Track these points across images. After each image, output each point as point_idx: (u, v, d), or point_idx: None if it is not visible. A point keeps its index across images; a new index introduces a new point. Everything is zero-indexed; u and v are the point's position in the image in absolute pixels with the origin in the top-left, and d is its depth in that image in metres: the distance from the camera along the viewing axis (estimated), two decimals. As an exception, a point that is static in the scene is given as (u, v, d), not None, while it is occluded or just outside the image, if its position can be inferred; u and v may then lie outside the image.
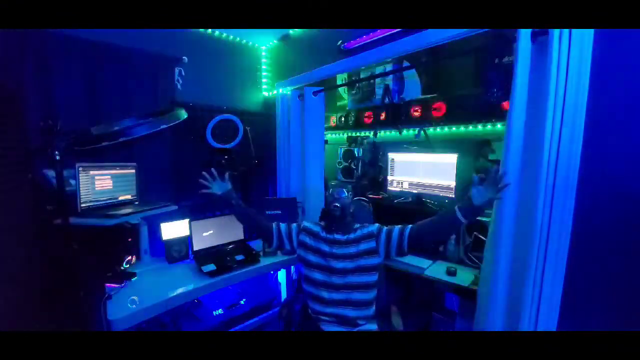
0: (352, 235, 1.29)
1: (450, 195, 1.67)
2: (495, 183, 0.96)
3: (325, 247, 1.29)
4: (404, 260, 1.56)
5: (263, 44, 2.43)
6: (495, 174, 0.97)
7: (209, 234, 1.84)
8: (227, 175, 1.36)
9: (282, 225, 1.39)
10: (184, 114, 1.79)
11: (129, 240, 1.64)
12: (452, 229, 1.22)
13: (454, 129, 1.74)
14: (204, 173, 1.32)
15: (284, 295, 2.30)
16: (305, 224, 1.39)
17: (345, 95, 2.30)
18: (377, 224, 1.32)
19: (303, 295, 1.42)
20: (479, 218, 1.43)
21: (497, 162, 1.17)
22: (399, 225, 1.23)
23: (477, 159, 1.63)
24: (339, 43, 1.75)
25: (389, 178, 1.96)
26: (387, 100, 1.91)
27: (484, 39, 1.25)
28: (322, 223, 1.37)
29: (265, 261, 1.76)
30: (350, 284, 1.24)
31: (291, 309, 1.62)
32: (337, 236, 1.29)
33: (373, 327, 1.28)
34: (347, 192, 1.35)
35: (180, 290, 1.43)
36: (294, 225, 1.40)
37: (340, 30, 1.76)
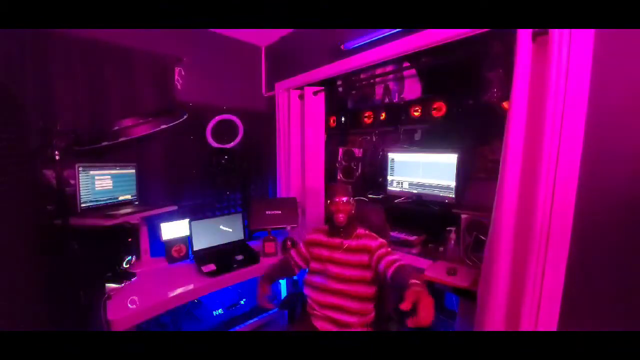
0: (353, 242, 1.30)
1: (451, 195, 1.66)
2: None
3: (325, 252, 1.34)
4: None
5: (263, 43, 2.43)
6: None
7: (208, 234, 1.84)
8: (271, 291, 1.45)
9: (294, 254, 1.45)
10: (183, 114, 1.79)
11: (129, 240, 1.64)
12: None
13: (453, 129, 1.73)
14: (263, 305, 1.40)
15: (284, 294, 2.30)
16: (309, 236, 1.44)
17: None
18: (381, 240, 1.27)
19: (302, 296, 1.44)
20: (479, 218, 1.44)
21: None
22: (396, 256, 1.18)
23: (477, 159, 1.63)
24: (339, 43, 1.75)
25: (389, 178, 1.96)
26: (387, 100, 1.92)
27: (484, 38, 1.25)
28: (325, 227, 1.41)
29: (265, 261, 1.76)
30: (347, 284, 1.26)
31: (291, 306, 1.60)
32: (343, 240, 1.31)
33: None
34: (350, 194, 1.34)
35: (180, 290, 1.43)
36: (301, 246, 1.45)
37: (340, 30, 1.76)
